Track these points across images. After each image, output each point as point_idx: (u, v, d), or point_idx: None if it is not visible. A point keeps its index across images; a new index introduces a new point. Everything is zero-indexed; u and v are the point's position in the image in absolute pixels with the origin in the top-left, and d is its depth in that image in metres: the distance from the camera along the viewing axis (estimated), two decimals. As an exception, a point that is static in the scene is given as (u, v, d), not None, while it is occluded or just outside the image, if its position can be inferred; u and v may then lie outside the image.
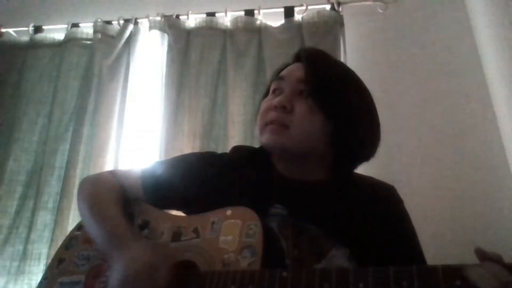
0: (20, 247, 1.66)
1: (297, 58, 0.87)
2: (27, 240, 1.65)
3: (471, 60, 1.63)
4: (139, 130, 1.79)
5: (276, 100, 0.78)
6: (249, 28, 1.81)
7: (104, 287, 0.76)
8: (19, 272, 1.60)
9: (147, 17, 1.92)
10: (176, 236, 0.77)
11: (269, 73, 1.60)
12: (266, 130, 0.78)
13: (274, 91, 0.84)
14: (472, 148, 1.52)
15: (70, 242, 0.88)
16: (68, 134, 1.81)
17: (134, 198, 0.89)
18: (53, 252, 1.26)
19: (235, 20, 1.83)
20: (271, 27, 1.81)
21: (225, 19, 1.85)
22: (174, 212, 0.89)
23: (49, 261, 0.92)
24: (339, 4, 1.77)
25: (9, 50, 2.01)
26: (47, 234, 1.65)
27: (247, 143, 1.55)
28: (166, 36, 1.89)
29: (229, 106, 1.68)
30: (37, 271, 1.60)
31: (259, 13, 1.82)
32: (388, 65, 1.71)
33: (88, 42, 1.96)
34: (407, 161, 1.56)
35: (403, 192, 0.86)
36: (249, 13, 1.83)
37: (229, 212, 0.73)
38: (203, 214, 0.77)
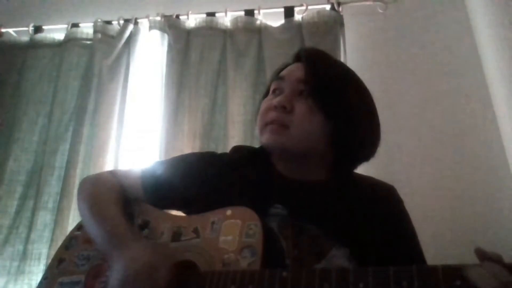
0: (20, 247, 1.65)
1: (297, 58, 0.87)
2: (27, 240, 1.65)
3: (471, 60, 1.63)
4: (139, 130, 1.79)
5: (276, 100, 0.78)
6: (249, 28, 1.81)
7: (104, 287, 0.76)
8: (19, 272, 1.60)
9: (147, 17, 1.92)
10: (176, 236, 0.77)
11: (269, 73, 1.60)
12: (266, 130, 0.78)
13: (274, 91, 0.84)
14: (472, 148, 1.52)
15: (70, 242, 0.88)
16: (68, 134, 1.81)
17: (134, 198, 0.89)
18: (53, 252, 1.25)
19: (235, 20, 1.83)
20: (271, 27, 1.81)
21: (225, 19, 1.85)
22: (174, 212, 0.89)
23: (49, 261, 0.92)
24: (339, 4, 1.77)
25: (9, 50, 2.01)
26: (47, 234, 1.65)
27: (247, 143, 1.55)
28: (166, 36, 1.89)
29: (229, 106, 1.68)
30: (37, 271, 1.60)
31: (259, 13, 1.82)
32: (388, 65, 1.71)
33: (88, 42, 1.96)
34: (407, 161, 1.56)
35: (403, 192, 0.86)
36: (249, 13, 1.83)
37: (229, 212, 0.73)
38: (203, 214, 0.77)
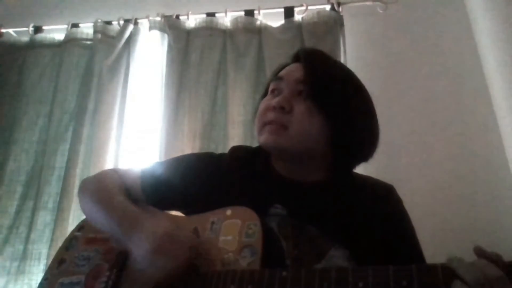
0: (20, 247, 1.66)
1: (296, 58, 0.87)
2: (27, 240, 1.65)
3: (471, 60, 1.63)
4: (139, 130, 1.79)
5: (275, 101, 0.77)
6: (249, 28, 1.81)
7: (104, 287, 0.76)
8: (19, 272, 1.60)
9: (147, 17, 1.92)
10: (176, 236, 0.77)
11: (269, 74, 1.59)
12: (265, 130, 0.78)
13: (272, 91, 0.83)
14: (472, 148, 1.52)
15: (71, 242, 0.88)
16: (68, 134, 1.81)
17: (134, 198, 0.89)
18: (53, 252, 1.26)
19: (235, 20, 1.83)
20: (271, 27, 1.81)
21: (225, 19, 1.85)
22: (174, 212, 0.89)
23: (49, 261, 0.92)
24: (339, 4, 1.77)
25: (9, 50, 2.01)
26: (47, 234, 1.65)
27: (247, 144, 1.55)
28: (166, 36, 1.90)
29: (229, 107, 1.68)
30: (37, 271, 1.60)
31: (259, 13, 1.82)
32: (388, 65, 1.71)
33: (88, 42, 1.96)
34: (407, 161, 1.56)
35: (403, 192, 0.86)
36: (249, 13, 1.84)
37: (228, 212, 0.73)
38: (202, 214, 0.77)
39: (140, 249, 0.69)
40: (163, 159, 1.42)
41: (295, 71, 0.82)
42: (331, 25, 1.72)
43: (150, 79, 1.86)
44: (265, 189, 0.80)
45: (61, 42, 1.98)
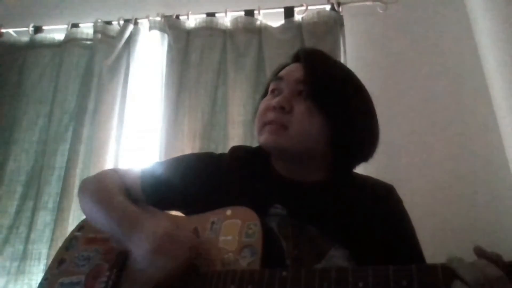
0: (20, 247, 1.66)
1: (296, 58, 0.87)
2: (27, 240, 1.65)
3: (471, 60, 1.63)
4: (139, 130, 1.79)
5: (275, 101, 0.77)
6: (249, 28, 1.81)
7: (104, 287, 0.76)
8: (19, 272, 1.60)
9: (147, 17, 1.92)
10: (176, 236, 0.77)
11: (269, 73, 1.59)
12: (265, 130, 0.78)
13: (272, 91, 0.83)
14: (472, 148, 1.52)
15: (71, 243, 0.88)
16: (68, 134, 1.81)
17: (134, 198, 0.89)
18: (53, 252, 1.25)
19: (235, 20, 1.83)
20: (271, 27, 1.81)
21: (225, 19, 1.85)
22: (174, 213, 0.89)
23: (49, 261, 0.92)
24: (339, 4, 1.77)
25: (9, 50, 2.01)
26: (47, 234, 1.65)
27: (247, 144, 1.55)
28: (166, 36, 1.90)
29: (229, 107, 1.68)
30: (37, 271, 1.60)
31: (259, 13, 1.82)
32: (388, 65, 1.71)
33: (88, 42, 1.96)
34: (407, 161, 1.56)
35: (403, 192, 0.86)
36: (249, 13, 1.84)
37: (228, 212, 0.73)
38: (202, 214, 0.77)
39: (140, 249, 0.69)
40: (163, 159, 1.42)
41: (295, 71, 0.82)
42: (331, 25, 1.72)
43: (150, 79, 1.86)
44: (265, 189, 0.80)
45: (61, 42, 1.98)
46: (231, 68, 1.75)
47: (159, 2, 1.99)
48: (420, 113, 1.62)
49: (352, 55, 1.71)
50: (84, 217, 0.91)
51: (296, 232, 0.74)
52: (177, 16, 1.89)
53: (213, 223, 0.73)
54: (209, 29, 1.84)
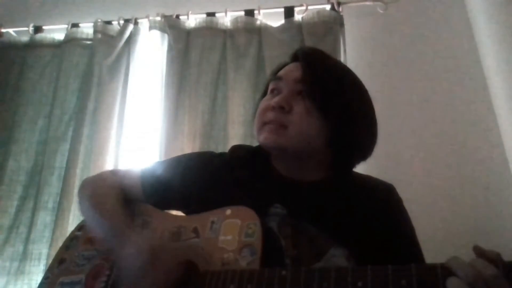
0: (20, 247, 1.66)
1: (295, 58, 0.87)
2: (27, 240, 1.65)
3: (471, 60, 1.63)
4: (139, 130, 1.79)
5: (274, 101, 0.77)
6: (249, 28, 1.81)
7: (104, 287, 0.76)
8: (19, 272, 1.60)
9: (147, 17, 1.92)
10: (176, 236, 0.77)
11: (269, 73, 1.59)
12: (264, 130, 0.78)
13: (272, 91, 0.83)
14: (472, 148, 1.52)
15: (71, 242, 0.88)
16: (68, 134, 1.81)
17: (135, 199, 0.89)
18: (53, 252, 1.26)
19: (235, 20, 1.83)
20: (271, 27, 1.81)
21: (225, 19, 1.85)
22: (174, 212, 0.89)
23: (49, 261, 0.93)
24: (339, 4, 1.77)
25: (9, 50, 2.01)
26: (47, 234, 1.65)
27: (247, 144, 1.55)
28: (166, 36, 1.89)
29: (229, 107, 1.68)
30: (37, 271, 1.60)
31: (259, 13, 1.82)
32: (388, 65, 1.71)
33: (88, 42, 1.96)
34: (407, 161, 1.56)
35: (403, 192, 0.86)
36: (249, 13, 1.83)
37: (228, 211, 0.73)
38: (202, 213, 0.77)
39: (123, 260, 0.71)
40: (163, 159, 1.42)
41: (294, 70, 0.82)
42: (331, 25, 1.72)
43: (150, 79, 1.86)
44: (265, 189, 0.80)
45: (61, 42, 1.98)
46: (231, 68, 1.75)
47: (159, 2, 1.99)
48: (420, 113, 1.62)
49: (352, 55, 1.71)
50: (84, 216, 0.92)
51: (295, 232, 0.74)
52: (177, 16, 1.89)
53: (213, 222, 0.74)
54: (209, 29, 1.83)
